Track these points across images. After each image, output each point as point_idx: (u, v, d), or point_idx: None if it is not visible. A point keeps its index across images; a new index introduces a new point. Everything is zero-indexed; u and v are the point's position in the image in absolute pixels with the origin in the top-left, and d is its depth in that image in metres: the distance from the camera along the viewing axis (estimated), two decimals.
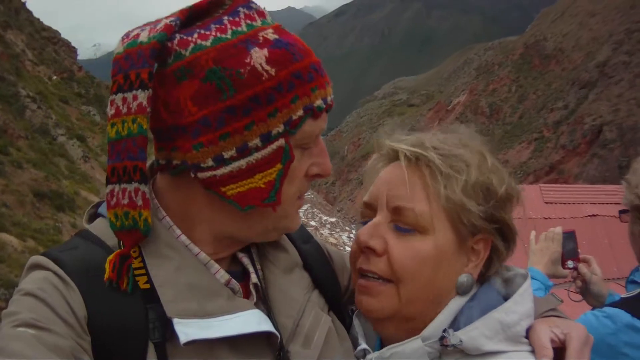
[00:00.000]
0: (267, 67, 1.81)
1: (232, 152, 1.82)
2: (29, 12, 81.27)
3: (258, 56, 1.81)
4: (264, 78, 1.80)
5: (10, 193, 38.66)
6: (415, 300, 2.11)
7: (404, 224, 2.11)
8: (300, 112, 1.85)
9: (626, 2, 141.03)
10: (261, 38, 1.86)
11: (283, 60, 1.83)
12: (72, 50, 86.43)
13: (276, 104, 1.81)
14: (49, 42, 79.69)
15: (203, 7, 1.94)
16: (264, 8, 1.99)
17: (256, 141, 1.82)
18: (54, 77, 71.05)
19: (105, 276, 1.81)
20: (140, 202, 1.84)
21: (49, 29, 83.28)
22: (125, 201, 1.85)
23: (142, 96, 1.80)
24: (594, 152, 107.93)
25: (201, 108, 1.81)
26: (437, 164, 2.09)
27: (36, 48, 72.85)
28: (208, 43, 1.82)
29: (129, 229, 1.86)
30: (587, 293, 4.33)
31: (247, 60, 1.80)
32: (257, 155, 1.83)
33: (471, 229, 2.15)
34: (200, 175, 1.86)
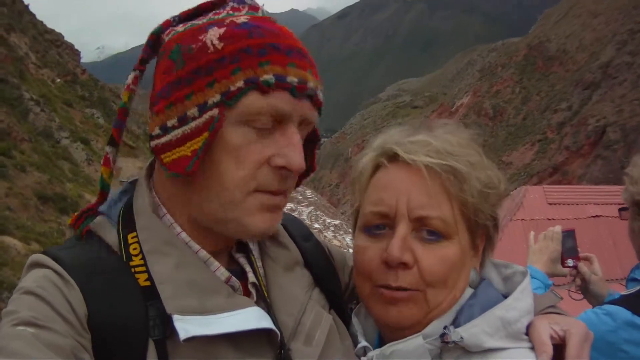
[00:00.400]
0: (216, 42, 1.84)
1: (174, 121, 1.88)
2: (32, 15, 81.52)
3: (212, 33, 1.86)
4: (209, 51, 1.84)
5: (14, 196, 38.77)
6: (441, 303, 2.14)
7: (430, 233, 2.12)
8: (240, 84, 1.81)
9: (629, 3, 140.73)
10: (228, 21, 1.91)
11: (236, 37, 1.85)
12: (75, 53, 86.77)
13: (215, 74, 1.83)
14: (53, 44, 79.95)
15: (208, 6, 2.02)
16: (262, 5, 2.04)
17: (194, 110, 1.84)
18: (58, 80, 71.30)
19: (69, 222, 1.98)
20: (104, 161, 2.09)
21: (52, 31, 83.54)
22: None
23: (131, 76, 2.03)
24: (597, 153, 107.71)
25: (162, 82, 1.92)
26: (462, 171, 2.11)
27: (39, 51, 73.08)
28: (182, 28, 1.96)
29: (103, 187, 2.09)
30: (587, 292, 4.33)
31: (201, 37, 1.87)
32: (192, 124, 1.85)
33: (481, 227, 2.21)
34: (151, 143, 1.96)
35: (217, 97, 1.82)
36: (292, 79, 1.85)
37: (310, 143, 2.16)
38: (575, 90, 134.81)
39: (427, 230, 2.11)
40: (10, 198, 38.19)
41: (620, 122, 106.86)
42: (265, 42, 1.85)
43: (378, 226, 2.21)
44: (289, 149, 1.88)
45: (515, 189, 22.03)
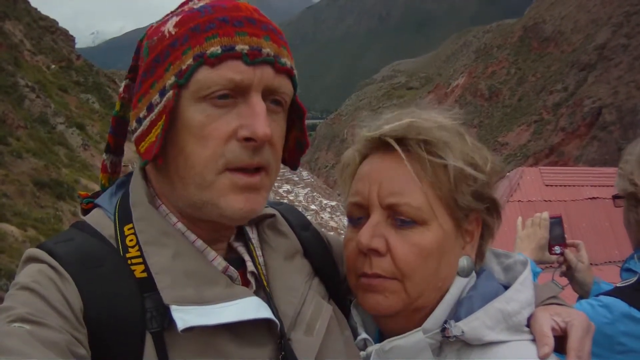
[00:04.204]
0: (171, 29, 1.88)
1: (144, 112, 1.93)
2: (27, 2, 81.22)
3: (170, 22, 1.91)
4: (165, 39, 1.88)
5: (11, 183, 38.70)
6: (423, 292, 2.13)
7: (403, 219, 2.10)
8: (189, 61, 1.83)
9: None
10: (187, 8, 1.95)
11: (188, 20, 1.88)
12: (70, 39, 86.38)
13: (170, 58, 1.86)
14: (47, 31, 79.63)
15: (186, 2, 2.04)
16: None
17: (156, 97, 1.88)
18: (53, 66, 71.08)
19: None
20: (102, 168, 2.26)
21: (46, 18, 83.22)
22: None
23: (122, 85, 2.14)
24: (593, 134, 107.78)
25: (137, 78, 2.00)
26: (425, 156, 2.09)
27: (34, 38, 72.85)
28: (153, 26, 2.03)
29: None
30: (573, 280, 4.33)
31: (162, 29, 1.93)
32: (156, 110, 1.88)
33: (465, 211, 2.17)
34: (132, 138, 1.99)
35: (172, 79, 1.84)
36: (242, 47, 1.84)
37: (298, 118, 2.16)
38: (570, 72, 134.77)
39: (399, 216, 2.11)
40: (6, 185, 38.10)
41: (616, 103, 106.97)
42: (213, 18, 1.86)
43: (359, 217, 2.22)
44: (252, 118, 1.85)
45: (512, 170, 22.06)
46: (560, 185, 19.46)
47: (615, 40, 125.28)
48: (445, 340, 2.07)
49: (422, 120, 2.19)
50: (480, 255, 2.32)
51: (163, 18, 2.01)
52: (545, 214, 4.39)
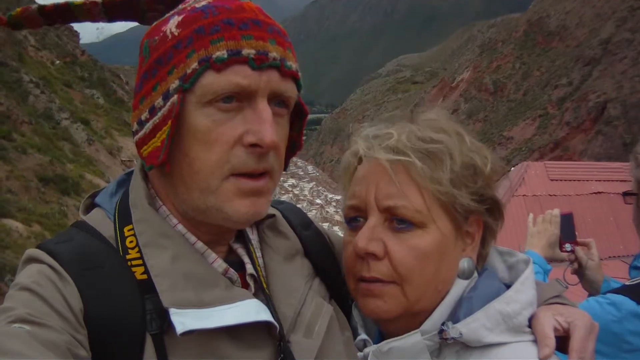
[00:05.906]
0: (174, 30, 1.84)
1: (146, 114, 1.89)
2: None
3: (172, 22, 1.86)
4: (168, 39, 1.84)
5: (15, 179, 38.74)
6: (423, 296, 2.10)
7: (400, 222, 2.08)
8: (194, 65, 1.79)
9: None
10: (189, 7, 1.90)
11: (191, 21, 1.83)
12: (74, 35, 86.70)
13: (173, 61, 1.81)
14: (51, 26, 79.91)
15: None
16: None
17: (159, 100, 1.84)
18: (57, 62, 71.21)
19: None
20: None
21: None
22: None
23: None
24: (598, 129, 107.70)
25: (137, 79, 1.95)
26: (419, 166, 2.06)
27: (38, 33, 72.94)
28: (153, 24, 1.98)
29: None
30: (583, 278, 4.31)
31: (163, 28, 1.87)
32: (160, 114, 1.84)
33: (465, 213, 2.14)
34: (134, 139, 1.96)
35: (176, 83, 1.81)
36: (249, 51, 1.80)
37: (298, 119, 2.14)
38: (575, 66, 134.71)
39: (397, 219, 2.09)
40: (11, 180, 38.14)
41: (620, 98, 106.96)
42: (217, 20, 1.82)
43: (355, 219, 2.21)
44: (259, 124, 1.82)
45: (517, 164, 22.08)
46: (565, 180, 19.46)
47: (620, 34, 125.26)
48: (444, 342, 2.06)
49: (417, 129, 2.17)
50: (482, 256, 2.30)
51: (166, 16, 1.97)
52: (556, 211, 4.35)
